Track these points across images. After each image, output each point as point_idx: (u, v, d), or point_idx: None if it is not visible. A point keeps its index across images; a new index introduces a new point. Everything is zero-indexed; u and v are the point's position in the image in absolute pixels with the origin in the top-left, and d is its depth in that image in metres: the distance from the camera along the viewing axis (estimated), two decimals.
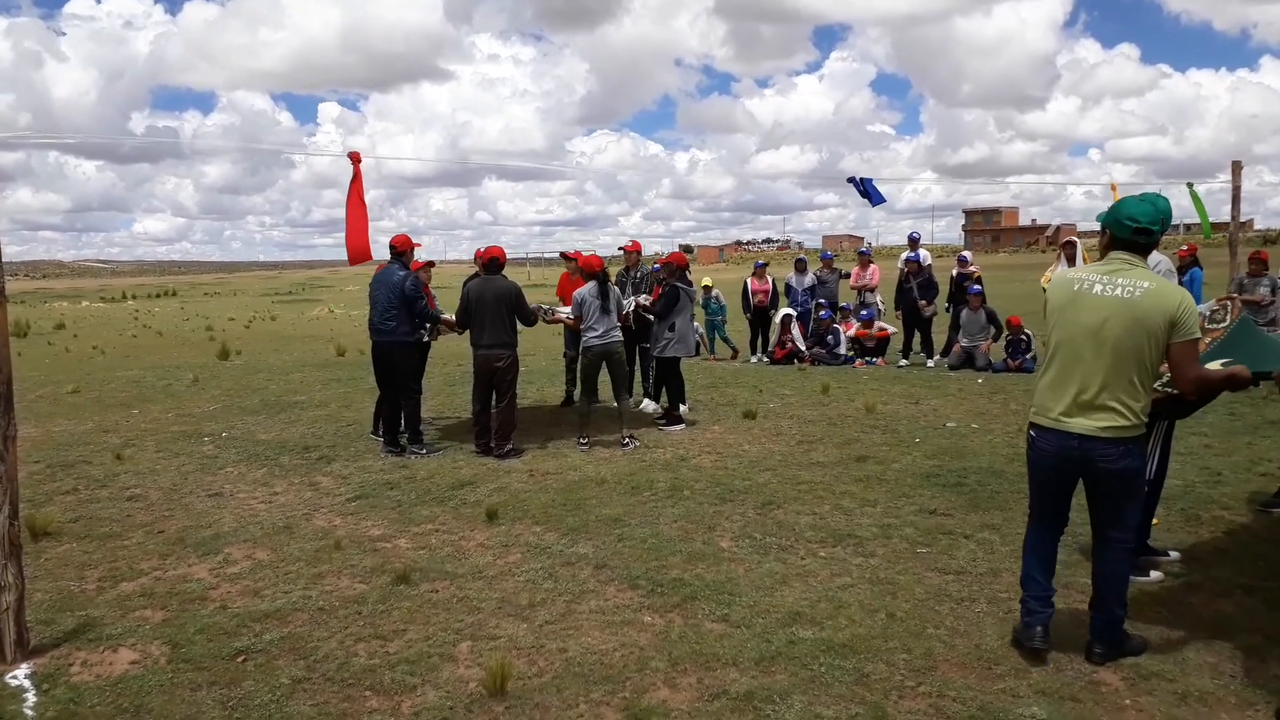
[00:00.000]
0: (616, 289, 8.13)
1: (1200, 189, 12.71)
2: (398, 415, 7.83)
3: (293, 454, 7.79)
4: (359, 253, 7.99)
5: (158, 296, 62.99)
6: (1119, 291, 3.41)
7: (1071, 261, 10.08)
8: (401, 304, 7.59)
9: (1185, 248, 12.10)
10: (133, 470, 7.29)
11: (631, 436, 7.88)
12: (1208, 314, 4.20)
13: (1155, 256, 4.35)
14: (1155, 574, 4.50)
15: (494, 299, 7.55)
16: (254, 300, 53.77)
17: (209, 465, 7.46)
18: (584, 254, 9.06)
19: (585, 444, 7.85)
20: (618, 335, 8.01)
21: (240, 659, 3.83)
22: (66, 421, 9.67)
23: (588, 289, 7.91)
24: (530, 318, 7.85)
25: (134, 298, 59.20)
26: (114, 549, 5.31)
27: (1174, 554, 4.79)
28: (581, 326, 7.94)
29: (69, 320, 31.25)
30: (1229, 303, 4.23)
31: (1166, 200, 4.39)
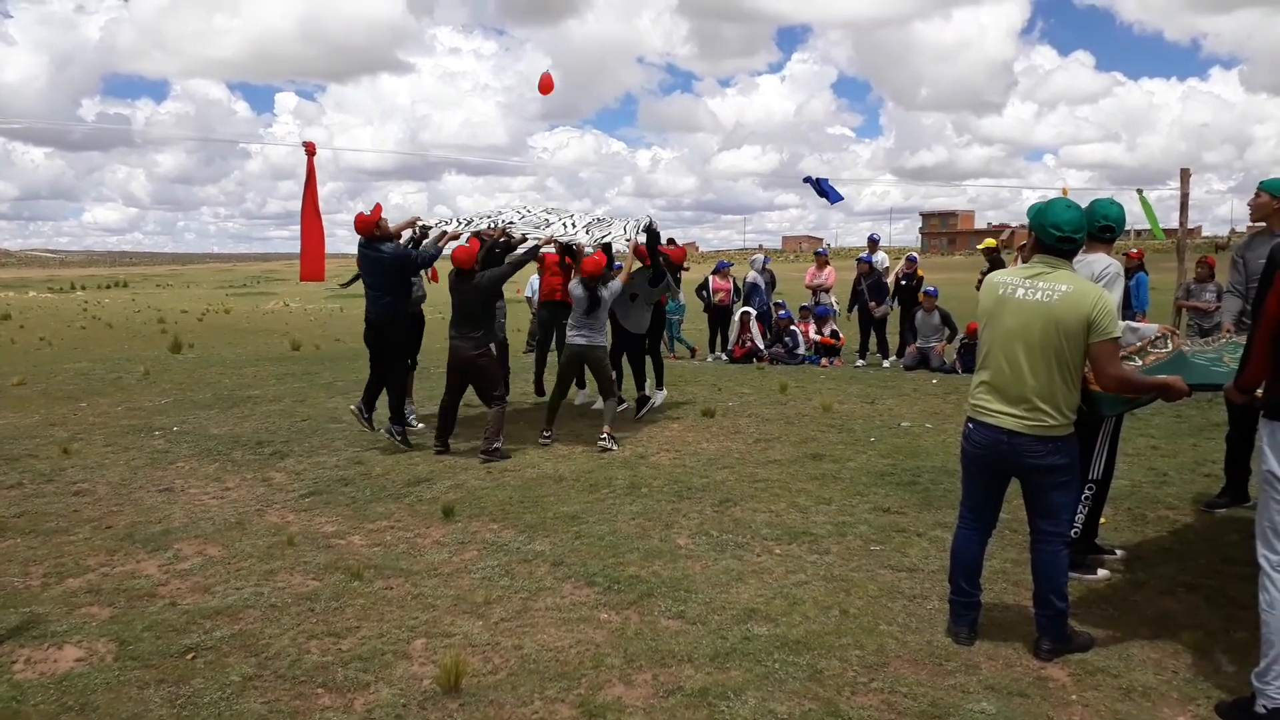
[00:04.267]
0: (606, 296, 7.83)
1: (1151, 195, 13.00)
2: (378, 392, 7.84)
3: (245, 449, 7.68)
4: (313, 272, 7.89)
5: (108, 287, 61.69)
6: (1039, 295, 3.53)
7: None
8: (394, 276, 7.57)
9: (1135, 251, 12.37)
10: (80, 464, 7.13)
11: (612, 438, 7.65)
12: (1152, 338, 4.34)
13: (1105, 259, 4.44)
14: (1102, 572, 4.60)
15: (471, 290, 7.37)
16: (207, 292, 52.92)
17: (159, 460, 7.32)
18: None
19: (549, 439, 7.81)
20: (600, 340, 7.86)
21: (189, 656, 3.76)
22: (11, 414, 9.44)
23: (581, 285, 7.86)
24: (513, 264, 7.75)
25: (83, 288, 57.94)
26: (60, 544, 5.20)
27: (1120, 552, 4.90)
28: (568, 323, 8.03)
29: (15, 311, 30.49)
30: (1170, 335, 4.38)
31: (1118, 206, 4.48)
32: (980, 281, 13.75)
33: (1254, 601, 4.08)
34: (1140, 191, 12.80)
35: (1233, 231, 74.81)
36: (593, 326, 7.83)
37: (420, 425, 8.29)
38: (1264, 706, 3.18)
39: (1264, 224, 5.21)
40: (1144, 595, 4.40)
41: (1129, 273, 12.10)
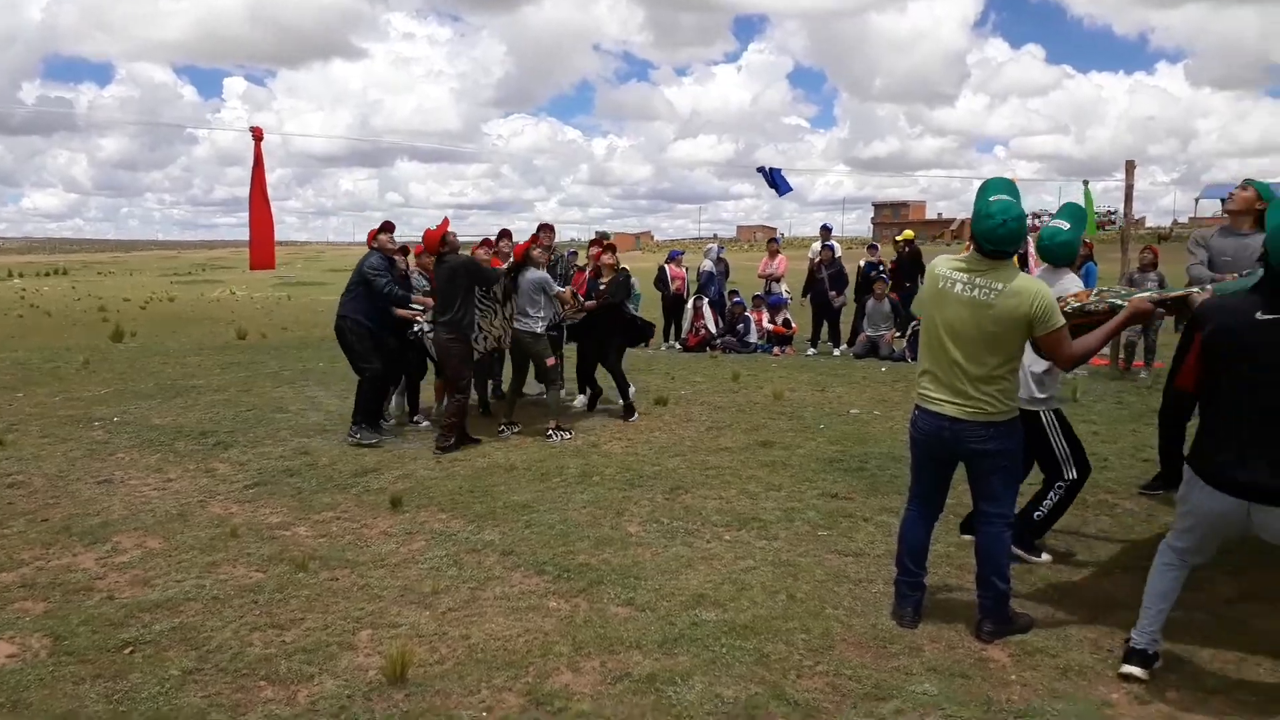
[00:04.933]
0: (532, 280, 7.59)
1: (1097, 187, 13.31)
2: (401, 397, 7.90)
3: (188, 439, 7.52)
4: (263, 260, 7.72)
5: (47, 275, 60.07)
6: (976, 293, 3.59)
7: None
8: (359, 283, 7.47)
9: (1086, 240, 12.61)
10: (15, 456, 6.92)
11: (559, 430, 7.54)
12: (1112, 289, 4.36)
13: (1074, 282, 4.45)
14: (1045, 556, 4.67)
15: (442, 274, 7.26)
16: (151, 280, 51.79)
17: (98, 451, 7.14)
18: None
19: (505, 430, 7.75)
20: (523, 325, 7.64)
21: (128, 651, 3.68)
22: None
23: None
24: (489, 277, 7.53)
25: (21, 276, 56.30)
26: None
27: (1046, 556, 4.74)
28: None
29: None
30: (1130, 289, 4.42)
31: (1071, 246, 4.48)
32: (893, 268, 14.06)
33: (1188, 584, 4.19)
34: (1086, 183, 13.08)
35: (1174, 222, 76.59)
36: (524, 313, 7.63)
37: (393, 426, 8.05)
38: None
39: (1228, 215, 5.26)
40: (1083, 577, 4.50)
41: (1081, 260, 12.35)
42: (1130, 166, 11.48)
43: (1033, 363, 4.35)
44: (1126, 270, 10.94)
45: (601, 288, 8.41)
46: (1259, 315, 3.08)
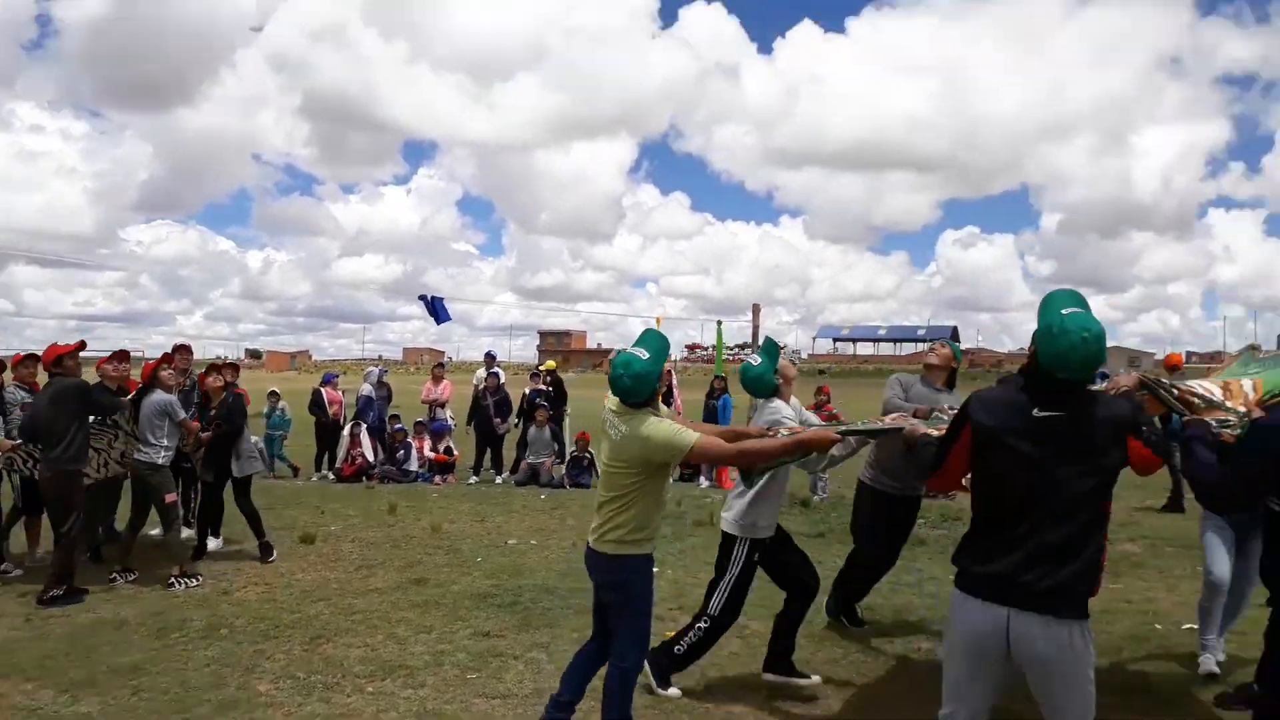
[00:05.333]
0: (154, 404, 6.87)
1: (732, 325, 14.90)
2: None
3: None
4: None
5: None
6: (612, 431, 3.86)
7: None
8: None
9: (719, 377, 13.94)
10: None
11: (182, 578, 6.78)
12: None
13: (783, 409, 4.82)
14: (673, 690, 4.76)
15: (50, 398, 6.43)
16: None
17: None
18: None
19: (118, 579, 6.84)
20: (142, 455, 6.88)
21: None
22: None
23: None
24: (105, 406, 6.71)
25: None
26: None
27: (817, 676, 4.96)
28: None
29: None
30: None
31: (767, 383, 4.85)
32: (523, 400, 14.98)
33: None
34: (719, 323, 14.52)
35: (797, 355, 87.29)
36: (145, 440, 6.89)
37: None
38: None
39: (927, 369, 5.93)
40: (715, 700, 4.72)
41: (713, 394, 13.56)
42: (756, 309, 13.28)
43: (738, 490, 4.72)
44: (754, 401, 12.10)
45: (212, 414, 7.74)
46: (1035, 413, 2.93)
